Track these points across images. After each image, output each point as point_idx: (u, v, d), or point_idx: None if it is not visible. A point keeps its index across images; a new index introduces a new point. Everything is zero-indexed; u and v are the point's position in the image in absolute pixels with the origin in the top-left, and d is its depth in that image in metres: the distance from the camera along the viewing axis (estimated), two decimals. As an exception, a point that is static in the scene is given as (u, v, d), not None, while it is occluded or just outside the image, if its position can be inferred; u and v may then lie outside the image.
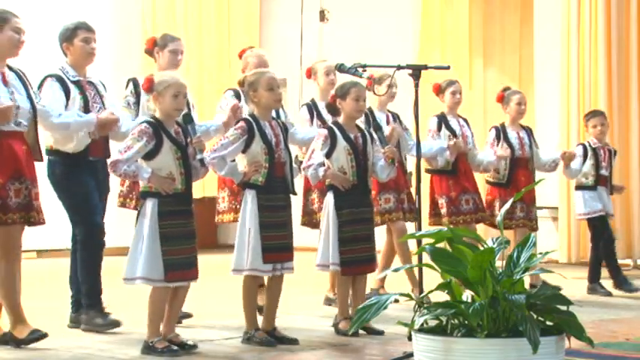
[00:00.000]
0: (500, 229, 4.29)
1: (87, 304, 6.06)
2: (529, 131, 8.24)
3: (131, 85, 6.45)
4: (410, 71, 5.63)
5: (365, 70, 5.92)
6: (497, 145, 8.01)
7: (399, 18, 12.19)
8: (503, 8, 11.79)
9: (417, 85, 5.57)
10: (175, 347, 5.29)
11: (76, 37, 6.02)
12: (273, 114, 5.94)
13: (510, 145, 8.01)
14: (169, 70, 6.35)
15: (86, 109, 5.97)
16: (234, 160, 5.72)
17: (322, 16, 13.10)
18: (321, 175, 6.00)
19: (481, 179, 8.37)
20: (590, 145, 8.28)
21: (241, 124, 5.65)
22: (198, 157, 5.42)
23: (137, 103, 6.40)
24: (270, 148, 5.61)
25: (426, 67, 5.68)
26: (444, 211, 7.80)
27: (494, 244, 4.16)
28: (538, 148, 8.30)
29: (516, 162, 8.03)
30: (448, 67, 6.13)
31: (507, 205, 4.58)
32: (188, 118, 5.58)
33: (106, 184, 6.22)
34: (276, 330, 5.73)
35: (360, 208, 6.00)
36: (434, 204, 7.89)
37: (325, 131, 6.04)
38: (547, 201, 10.98)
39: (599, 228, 8.22)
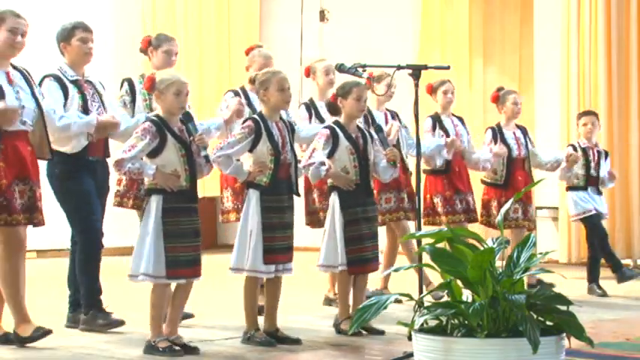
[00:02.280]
0: (501, 229, 4.30)
1: (85, 305, 6.05)
2: (524, 131, 8.22)
3: (126, 84, 6.48)
4: (410, 71, 5.63)
5: (365, 70, 5.93)
6: (495, 145, 8.01)
7: (399, 18, 12.18)
8: (503, 8, 11.79)
9: (417, 85, 5.58)
10: (177, 347, 5.29)
11: (74, 37, 6.01)
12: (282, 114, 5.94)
13: (507, 146, 7.99)
14: (163, 69, 6.36)
15: (85, 108, 5.97)
16: (239, 160, 5.73)
17: (322, 16, 13.10)
18: (322, 175, 6.00)
19: (477, 179, 8.34)
20: (579, 146, 8.27)
21: (248, 123, 5.67)
22: (203, 153, 5.44)
23: (133, 102, 6.43)
24: (276, 149, 5.62)
25: (426, 67, 5.68)
26: (440, 210, 7.80)
27: (494, 244, 4.17)
28: (534, 147, 8.29)
29: (513, 162, 8.02)
30: (448, 67, 6.13)
31: (507, 205, 4.58)
32: (187, 118, 5.58)
33: (106, 185, 6.21)
34: (279, 331, 5.73)
35: (364, 207, 6.01)
36: (427, 204, 7.83)
37: (327, 131, 6.04)
38: (547, 201, 10.99)
39: (592, 227, 8.23)
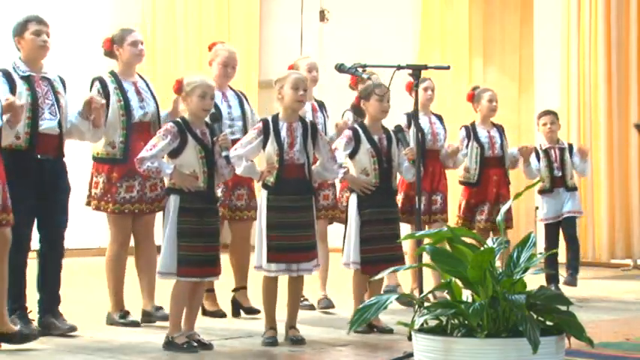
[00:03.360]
0: (500, 229, 4.29)
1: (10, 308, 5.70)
2: (501, 129, 8.03)
3: (97, 84, 6.23)
4: (410, 71, 5.63)
5: (365, 70, 5.92)
6: (468, 144, 7.88)
7: (399, 18, 12.19)
8: (503, 8, 11.79)
9: (416, 85, 5.58)
10: (195, 344, 5.37)
11: (27, 31, 5.83)
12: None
13: (480, 144, 7.83)
14: (134, 63, 6.31)
15: (34, 105, 5.75)
16: (252, 160, 5.75)
17: (322, 16, 13.11)
18: (340, 177, 6.06)
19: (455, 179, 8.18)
20: (540, 148, 8.16)
21: (259, 124, 5.75)
22: (224, 154, 5.51)
23: (107, 103, 6.12)
24: (280, 149, 5.63)
25: (426, 67, 5.69)
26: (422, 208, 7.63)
27: (494, 244, 4.17)
28: (508, 147, 8.02)
29: (486, 161, 7.82)
30: (448, 67, 6.13)
31: (507, 206, 4.57)
32: (215, 117, 5.68)
33: (59, 184, 5.90)
34: (292, 329, 5.74)
35: (383, 209, 6.02)
36: (408, 201, 7.46)
37: (350, 132, 6.09)
38: (547, 201, 10.97)
39: (555, 234, 8.08)
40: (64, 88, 5.99)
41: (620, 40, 10.45)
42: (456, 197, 8.12)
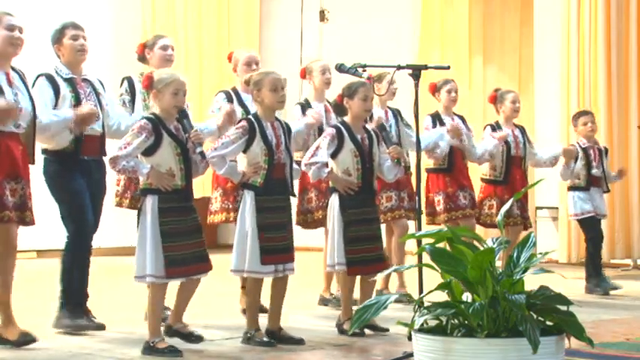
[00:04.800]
0: (500, 229, 4.29)
1: (60, 303, 5.96)
2: (523, 130, 8.20)
3: (126, 83, 6.49)
4: (410, 71, 5.62)
5: (365, 70, 5.91)
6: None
7: (399, 18, 12.19)
8: (503, 8, 11.79)
9: (417, 85, 5.57)
10: (176, 347, 5.28)
11: (64, 37, 5.99)
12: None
13: (506, 143, 7.97)
14: (163, 67, 6.36)
15: (77, 107, 5.90)
16: (234, 160, 5.72)
17: (322, 16, 13.10)
18: (324, 176, 6.01)
19: (477, 178, 8.31)
20: (580, 146, 8.26)
21: (243, 123, 5.65)
22: (198, 150, 5.40)
23: (132, 101, 6.42)
24: (270, 150, 5.60)
25: (426, 67, 5.67)
26: (440, 207, 7.79)
27: (494, 244, 4.16)
28: (532, 147, 8.24)
29: (511, 160, 8.01)
30: (448, 67, 6.12)
31: (507, 206, 4.57)
32: (182, 114, 5.52)
33: (102, 185, 6.12)
34: (282, 330, 5.73)
35: (364, 209, 6.00)
36: (429, 202, 7.86)
37: (333, 130, 6.03)
38: (547, 201, 11.00)
39: (589, 229, 8.22)
40: (104, 89, 6.17)
41: (620, 40, 10.45)
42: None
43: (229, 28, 13.16)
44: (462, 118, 8.04)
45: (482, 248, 4.03)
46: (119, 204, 6.56)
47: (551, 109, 11.02)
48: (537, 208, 11.25)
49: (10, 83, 5.49)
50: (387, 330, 5.96)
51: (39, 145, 5.87)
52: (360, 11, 12.61)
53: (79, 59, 6.03)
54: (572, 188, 8.31)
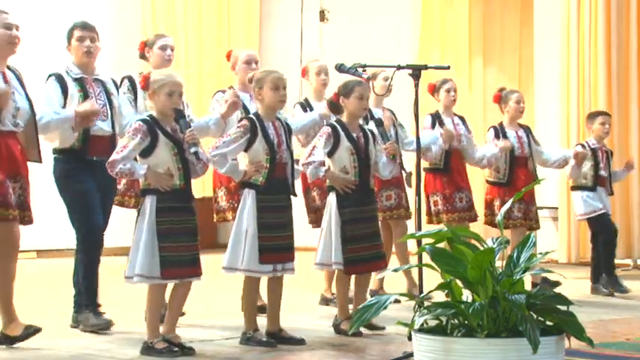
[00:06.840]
0: (500, 229, 4.29)
1: (84, 304, 6.04)
2: (527, 130, 8.21)
3: (127, 82, 6.46)
4: (410, 71, 5.63)
5: (365, 71, 5.91)
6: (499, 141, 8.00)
7: (399, 18, 12.19)
8: (503, 8, 11.79)
9: (417, 85, 5.57)
10: (175, 348, 5.27)
11: (72, 37, 6.04)
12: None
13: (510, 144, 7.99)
14: (162, 67, 6.36)
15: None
16: (235, 159, 5.72)
17: (322, 16, 13.09)
18: (321, 175, 6.01)
19: (481, 178, 8.35)
20: (589, 146, 8.27)
21: (244, 122, 5.65)
22: (192, 150, 5.36)
23: (135, 99, 6.42)
24: (271, 149, 5.60)
25: (426, 67, 5.68)
26: (439, 208, 7.79)
27: (494, 244, 4.16)
28: (539, 145, 8.25)
29: (516, 161, 8.01)
30: (448, 67, 6.13)
31: (507, 205, 4.57)
32: (179, 115, 5.50)
33: (111, 185, 6.13)
34: (283, 331, 5.72)
35: (362, 207, 5.99)
36: (426, 203, 7.83)
37: (329, 129, 6.03)
38: (547, 201, 10.98)
39: (600, 227, 8.22)
40: (117, 89, 6.18)
41: (620, 41, 10.44)
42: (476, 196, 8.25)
43: (229, 28, 13.16)
44: (462, 118, 8.05)
45: (482, 248, 4.04)
46: (121, 203, 6.55)
47: (551, 109, 11.02)
48: (537, 208, 11.24)
49: (6, 82, 5.48)
50: (384, 328, 5.96)
51: (48, 145, 5.88)
52: (360, 11, 12.61)
53: (84, 61, 6.03)
54: (578, 188, 8.28)
